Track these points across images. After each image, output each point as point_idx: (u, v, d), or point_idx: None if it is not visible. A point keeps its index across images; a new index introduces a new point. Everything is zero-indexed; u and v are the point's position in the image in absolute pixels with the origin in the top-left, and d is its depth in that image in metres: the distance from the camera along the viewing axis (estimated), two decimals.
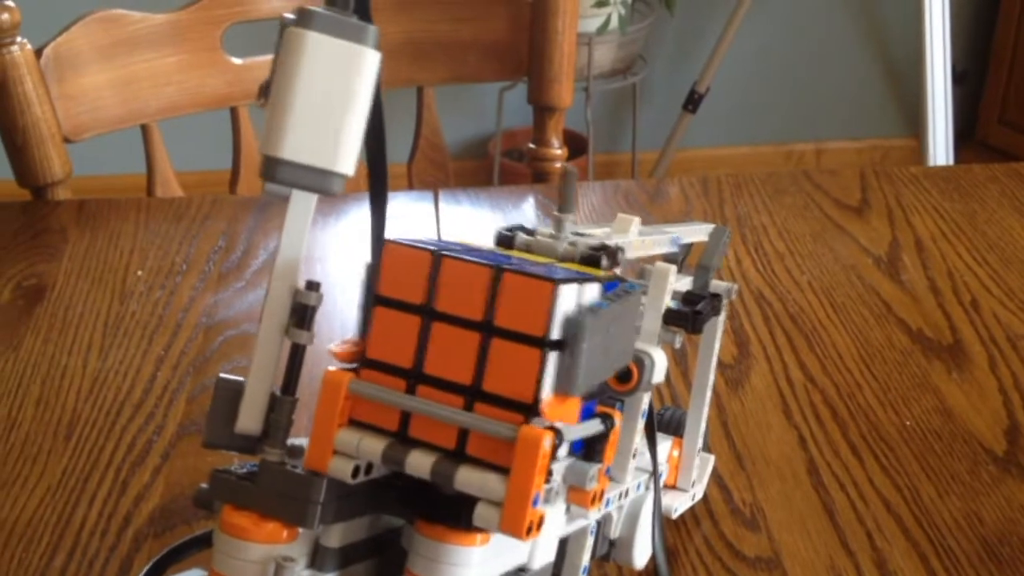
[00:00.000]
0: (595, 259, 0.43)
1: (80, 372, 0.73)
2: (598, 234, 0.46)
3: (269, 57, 1.16)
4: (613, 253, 0.43)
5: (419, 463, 0.38)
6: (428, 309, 0.38)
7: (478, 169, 2.46)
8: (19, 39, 0.95)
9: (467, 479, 0.37)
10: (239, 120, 1.11)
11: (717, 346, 0.57)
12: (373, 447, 0.38)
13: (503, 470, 0.37)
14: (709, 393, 0.58)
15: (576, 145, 2.28)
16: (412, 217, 0.94)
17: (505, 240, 0.45)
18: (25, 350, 0.76)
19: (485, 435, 0.37)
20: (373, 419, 0.39)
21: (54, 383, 0.72)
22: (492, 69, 1.17)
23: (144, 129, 1.06)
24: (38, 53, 0.97)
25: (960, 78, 2.57)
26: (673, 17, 2.45)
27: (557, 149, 1.18)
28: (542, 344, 0.37)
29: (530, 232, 0.45)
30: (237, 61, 1.09)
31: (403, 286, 0.38)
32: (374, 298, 0.39)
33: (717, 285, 0.53)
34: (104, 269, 0.85)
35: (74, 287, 0.83)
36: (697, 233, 0.54)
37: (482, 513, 0.37)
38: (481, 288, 0.38)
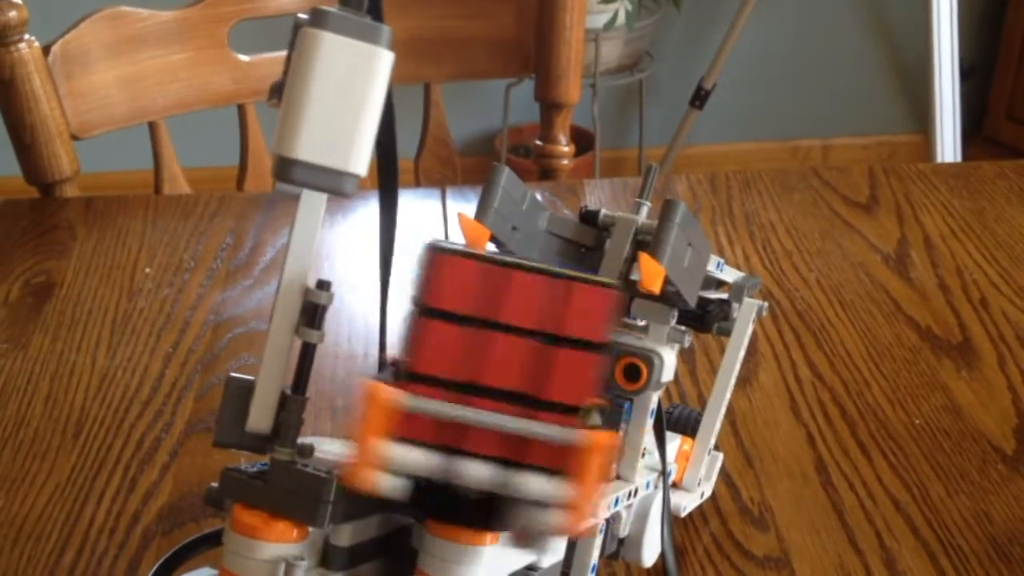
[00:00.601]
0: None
1: (89, 369, 0.73)
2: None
3: (276, 54, 1.16)
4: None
5: (477, 473, 0.38)
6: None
7: (484, 165, 2.46)
8: (27, 36, 0.95)
9: (532, 486, 0.37)
10: (246, 117, 1.11)
11: (741, 353, 0.57)
12: (426, 462, 0.38)
13: (563, 474, 0.37)
14: (728, 396, 0.58)
15: (583, 141, 2.28)
16: (419, 214, 0.94)
17: (590, 216, 0.49)
18: (34, 347, 0.76)
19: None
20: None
21: (63, 380, 0.72)
22: (499, 66, 1.17)
23: (151, 126, 1.07)
24: (46, 50, 0.97)
25: (968, 74, 2.56)
26: (680, 13, 2.45)
27: (564, 146, 1.18)
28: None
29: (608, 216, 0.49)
30: (244, 58, 1.09)
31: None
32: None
33: (741, 280, 0.53)
34: (112, 266, 0.85)
35: (82, 284, 0.83)
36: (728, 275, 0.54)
37: (545, 518, 0.37)
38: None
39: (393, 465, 0.37)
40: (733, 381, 0.58)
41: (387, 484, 0.37)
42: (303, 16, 0.37)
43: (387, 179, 0.43)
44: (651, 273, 0.43)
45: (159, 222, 0.92)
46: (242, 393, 0.40)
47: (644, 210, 0.49)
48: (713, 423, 0.58)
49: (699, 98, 2.39)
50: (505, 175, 0.46)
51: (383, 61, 0.37)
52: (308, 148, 0.36)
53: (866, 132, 2.71)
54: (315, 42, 0.36)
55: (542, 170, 1.19)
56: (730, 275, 0.54)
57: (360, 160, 0.37)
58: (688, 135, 2.45)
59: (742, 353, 0.57)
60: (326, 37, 0.36)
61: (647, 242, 0.47)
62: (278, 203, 0.95)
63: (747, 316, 0.56)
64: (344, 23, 0.36)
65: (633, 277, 0.47)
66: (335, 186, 0.37)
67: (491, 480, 0.37)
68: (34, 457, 0.66)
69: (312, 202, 0.39)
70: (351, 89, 0.36)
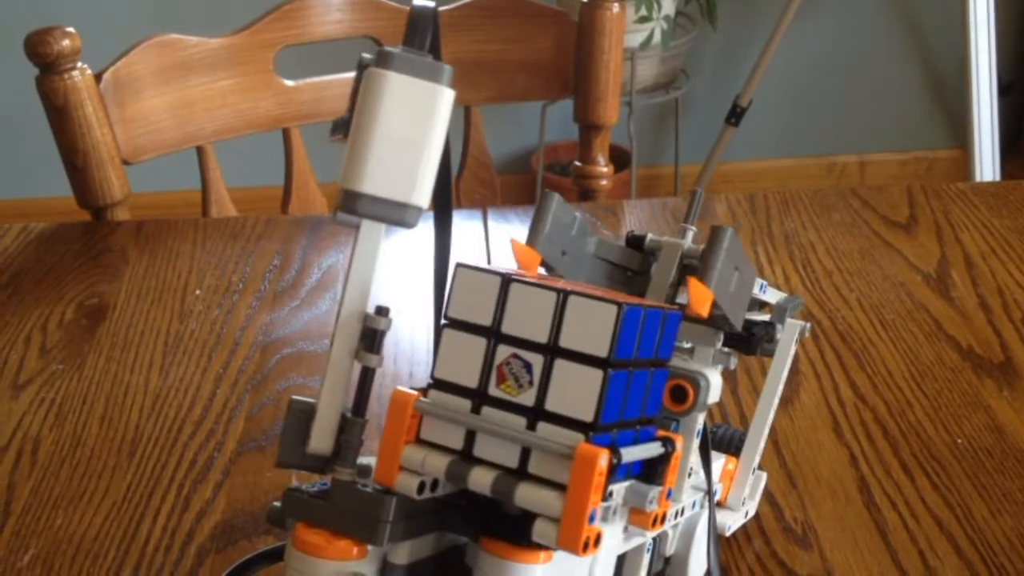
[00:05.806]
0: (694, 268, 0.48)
1: (142, 390, 0.75)
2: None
3: (320, 79, 1.17)
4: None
5: (481, 480, 0.39)
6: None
7: (521, 183, 2.48)
8: (79, 64, 0.98)
9: (526, 496, 0.38)
10: (291, 140, 1.13)
11: (785, 374, 0.58)
12: (437, 464, 0.40)
13: (562, 487, 0.38)
14: (771, 416, 0.58)
15: (619, 159, 2.29)
16: (462, 235, 0.95)
17: (636, 241, 0.50)
18: (89, 368, 0.78)
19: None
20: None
21: (117, 401, 0.74)
22: (539, 88, 1.18)
23: (199, 150, 1.09)
24: (98, 78, 1.00)
25: (1006, 90, 2.54)
26: (715, 32, 2.45)
27: (603, 166, 1.19)
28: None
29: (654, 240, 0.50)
30: (289, 83, 1.11)
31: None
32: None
33: (783, 301, 0.54)
34: (163, 288, 0.87)
35: (135, 306, 0.85)
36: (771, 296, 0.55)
37: (540, 529, 0.38)
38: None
39: (410, 466, 0.40)
40: (776, 401, 0.58)
41: (404, 483, 0.39)
42: (368, 56, 0.38)
43: (441, 203, 0.44)
44: (700, 297, 0.44)
45: (208, 244, 0.93)
46: (303, 415, 0.41)
47: (690, 235, 0.50)
48: (757, 443, 0.58)
49: (735, 115, 2.39)
50: (556, 202, 0.48)
51: (445, 98, 0.38)
52: (373, 182, 0.38)
53: (903, 148, 2.70)
54: (381, 82, 0.38)
55: (581, 190, 1.20)
56: (773, 296, 0.54)
57: (423, 193, 0.39)
58: (724, 152, 2.45)
59: (785, 373, 0.58)
60: (392, 77, 0.38)
61: (694, 266, 0.48)
62: (323, 226, 0.96)
63: (790, 337, 0.57)
64: (408, 63, 0.38)
65: (680, 301, 0.48)
66: (399, 218, 0.39)
67: (493, 488, 0.39)
68: (91, 476, 0.67)
69: (371, 231, 0.40)
70: (415, 126, 0.38)
